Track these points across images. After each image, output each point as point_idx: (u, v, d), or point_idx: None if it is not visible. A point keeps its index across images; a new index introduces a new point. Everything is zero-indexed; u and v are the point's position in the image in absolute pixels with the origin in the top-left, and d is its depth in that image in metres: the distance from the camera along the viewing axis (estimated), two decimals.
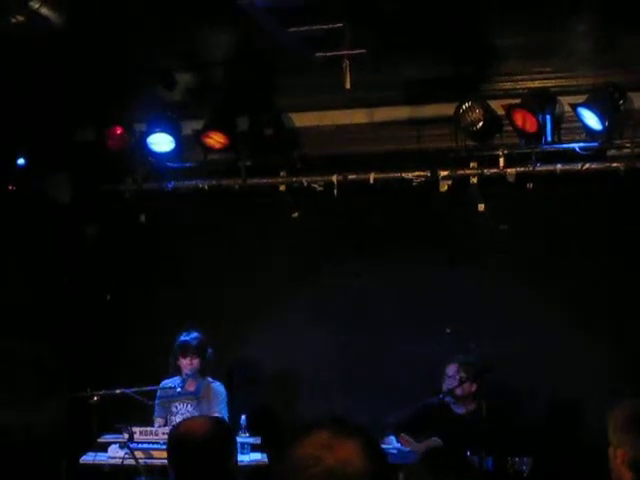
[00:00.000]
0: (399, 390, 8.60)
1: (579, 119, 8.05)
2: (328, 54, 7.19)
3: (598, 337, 8.41)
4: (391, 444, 7.92)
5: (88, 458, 7.66)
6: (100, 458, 7.64)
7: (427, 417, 8.07)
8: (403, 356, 8.80)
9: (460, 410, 8.16)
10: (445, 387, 8.08)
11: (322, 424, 2.19)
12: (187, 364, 8.22)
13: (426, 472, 3.70)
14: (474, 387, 8.05)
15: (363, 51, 7.08)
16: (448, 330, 8.51)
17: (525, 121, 8.09)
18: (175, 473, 4.12)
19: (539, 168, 8.40)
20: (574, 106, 8.01)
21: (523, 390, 8.61)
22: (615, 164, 8.21)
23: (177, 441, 4.19)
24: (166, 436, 7.31)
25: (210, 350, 8.35)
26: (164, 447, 7.27)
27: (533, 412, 8.65)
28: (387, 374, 8.86)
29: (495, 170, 8.53)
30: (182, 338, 8.29)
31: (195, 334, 8.30)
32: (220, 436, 4.15)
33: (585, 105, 7.95)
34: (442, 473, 3.66)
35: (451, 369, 8.09)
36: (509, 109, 8.12)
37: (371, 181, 8.82)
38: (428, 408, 8.14)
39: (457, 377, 8.03)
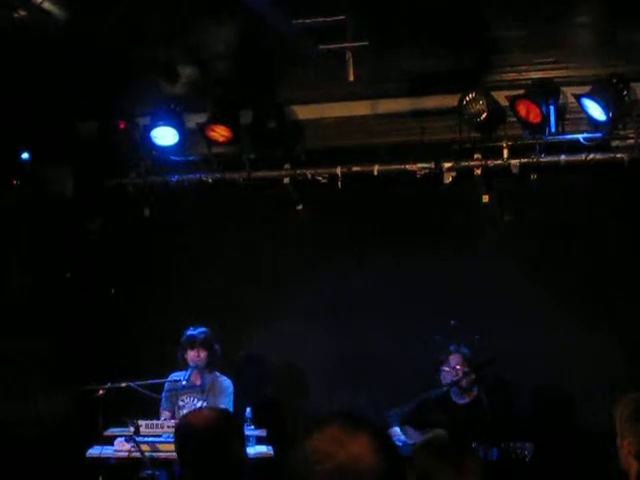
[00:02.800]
0: (403, 382, 8.59)
1: (583, 110, 8.04)
2: (331, 46, 7.19)
3: (601, 327, 8.41)
4: (396, 435, 7.92)
5: (94, 451, 7.67)
6: (106, 451, 7.64)
7: (429, 409, 8.07)
8: (407, 348, 8.80)
9: (461, 400, 8.17)
10: (447, 378, 8.08)
11: (332, 418, 2.16)
12: (194, 356, 8.23)
13: (428, 456, 3.71)
14: (473, 376, 8.06)
15: (366, 43, 7.08)
16: (452, 322, 8.52)
17: (529, 112, 8.10)
18: (180, 463, 4.17)
19: (543, 159, 8.40)
20: (578, 97, 8.01)
21: (525, 381, 8.61)
22: (619, 154, 8.21)
23: (180, 431, 4.23)
24: (172, 429, 7.41)
25: (217, 345, 8.36)
26: (170, 440, 7.37)
27: (535, 401, 8.68)
28: (391, 367, 8.86)
29: (499, 161, 8.53)
30: (189, 332, 8.31)
31: (202, 329, 8.31)
32: (221, 426, 4.18)
33: (589, 96, 7.94)
34: (459, 463, 3.67)
35: (454, 360, 8.09)
36: (513, 100, 8.12)
37: (375, 173, 8.82)
38: (429, 400, 8.13)
39: (459, 368, 8.03)
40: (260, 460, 7.75)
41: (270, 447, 7.92)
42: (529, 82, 8.21)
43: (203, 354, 8.26)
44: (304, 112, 8.99)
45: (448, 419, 7.89)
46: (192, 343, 8.28)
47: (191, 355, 8.26)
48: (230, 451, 4.13)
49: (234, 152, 9.07)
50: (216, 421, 4.16)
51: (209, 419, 4.18)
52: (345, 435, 2.11)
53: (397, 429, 8.00)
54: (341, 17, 6.92)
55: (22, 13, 6.68)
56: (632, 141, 8.16)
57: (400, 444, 7.75)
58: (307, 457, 2.10)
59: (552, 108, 8.18)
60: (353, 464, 2.06)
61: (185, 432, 4.21)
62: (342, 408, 8.56)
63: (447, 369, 8.09)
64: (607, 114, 7.89)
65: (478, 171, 8.62)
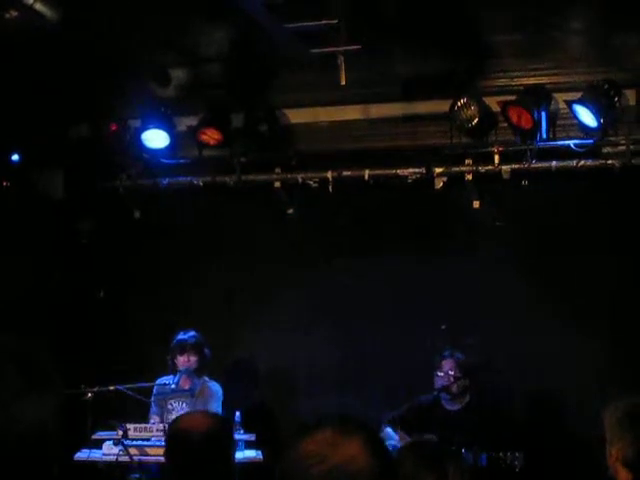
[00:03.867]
0: (396, 387, 8.60)
1: (574, 116, 8.05)
2: (323, 50, 7.18)
3: (593, 332, 8.41)
4: (388, 436, 7.91)
5: (82, 455, 7.64)
6: (94, 455, 7.60)
7: (420, 415, 8.05)
8: (400, 353, 8.79)
9: (452, 406, 8.15)
10: (439, 383, 8.06)
11: (325, 421, 2.17)
12: (184, 361, 8.19)
13: (411, 458, 3.71)
14: (467, 383, 8.05)
15: (358, 47, 7.07)
16: (443, 327, 8.51)
17: (520, 118, 8.10)
18: (173, 469, 4.10)
19: (534, 165, 8.39)
20: (569, 103, 8.02)
21: (520, 387, 8.60)
22: (610, 161, 8.22)
23: (176, 438, 4.17)
24: (160, 433, 7.41)
25: (207, 350, 8.33)
26: (158, 444, 7.35)
27: (529, 408, 8.67)
28: (384, 371, 8.85)
29: (490, 167, 8.53)
30: (179, 337, 8.27)
31: (192, 333, 8.27)
32: (221, 435, 4.14)
33: (580, 102, 7.95)
34: (444, 467, 3.67)
35: (447, 365, 8.07)
36: (504, 106, 8.12)
37: (366, 178, 8.81)
38: (421, 405, 8.12)
39: (452, 373, 8.02)
40: (249, 465, 7.73)
41: (259, 452, 7.90)
42: (521, 88, 8.21)
43: (194, 358, 8.22)
44: (296, 116, 8.98)
45: (438, 425, 7.88)
46: (183, 347, 8.23)
47: (181, 360, 8.22)
48: (223, 460, 4.10)
49: (225, 155, 9.06)
50: (212, 429, 4.12)
51: (205, 426, 4.13)
52: (338, 438, 2.12)
53: (389, 430, 7.98)
54: (333, 21, 6.91)
55: (13, 14, 6.65)
56: (623, 147, 8.17)
57: (391, 448, 7.73)
58: (300, 460, 2.10)
59: (543, 114, 8.18)
60: (346, 466, 2.07)
61: (179, 439, 4.14)
62: (335, 412, 8.55)
63: (440, 374, 8.07)
64: (598, 120, 7.90)
65: (469, 176, 8.61)
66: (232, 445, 4.24)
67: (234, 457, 4.26)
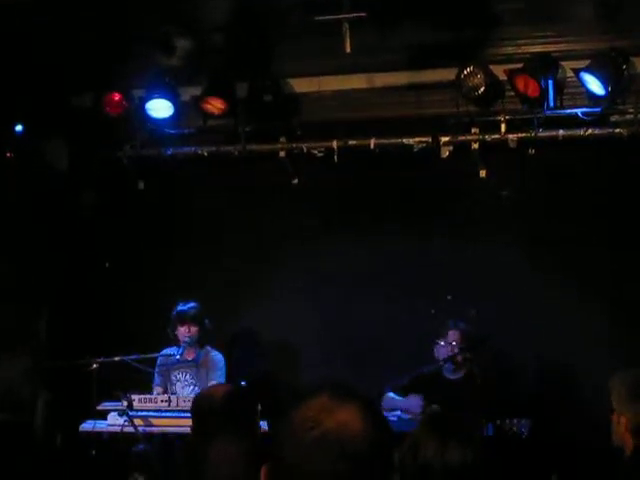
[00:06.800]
0: (398, 358, 8.58)
1: (582, 84, 7.99)
2: (327, 18, 7.13)
3: (598, 303, 8.39)
4: (392, 401, 7.90)
5: (87, 426, 7.67)
6: (99, 426, 7.64)
7: (422, 384, 8.04)
8: (403, 324, 8.77)
9: (453, 376, 8.14)
10: (443, 353, 8.04)
11: (321, 388, 2.18)
12: (185, 332, 8.21)
13: (430, 435, 3.71)
14: (469, 355, 8.03)
15: (363, 14, 7.02)
16: (449, 297, 8.49)
17: (527, 86, 8.04)
18: (196, 436, 4.26)
19: (541, 134, 8.35)
20: (577, 71, 7.96)
21: (522, 357, 8.59)
22: (618, 129, 8.17)
23: (196, 406, 4.39)
24: (165, 404, 7.46)
25: (207, 320, 8.33)
26: (163, 415, 7.41)
27: (532, 378, 8.67)
28: (386, 342, 8.83)
29: (496, 136, 8.48)
30: (179, 308, 8.29)
31: (192, 303, 8.29)
32: (241, 394, 4.31)
33: (588, 70, 7.89)
34: (445, 436, 3.67)
35: (452, 336, 8.05)
36: (511, 74, 8.06)
37: (371, 147, 8.77)
38: (423, 375, 8.10)
39: (455, 344, 8.00)
40: None
41: (264, 422, 7.90)
42: (528, 56, 8.15)
43: (194, 329, 8.25)
44: (300, 85, 8.93)
45: (440, 395, 7.87)
46: (182, 319, 8.26)
47: (182, 331, 8.25)
48: (243, 423, 4.21)
49: (229, 125, 9.01)
50: (229, 395, 4.28)
51: (222, 393, 4.35)
52: (334, 404, 2.13)
53: (390, 394, 7.97)
54: None
55: None
56: (631, 116, 8.12)
57: (395, 419, 7.74)
58: (296, 425, 2.12)
59: (551, 82, 8.13)
60: (341, 431, 2.08)
61: (198, 406, 4.36)
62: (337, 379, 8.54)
63: (443, 344, 8.05)
64: (606, 88, 7.84)
65: (475, 145, 8.57)
66: (252, 411, 4.36)
67: (257, 420, 4.36)
